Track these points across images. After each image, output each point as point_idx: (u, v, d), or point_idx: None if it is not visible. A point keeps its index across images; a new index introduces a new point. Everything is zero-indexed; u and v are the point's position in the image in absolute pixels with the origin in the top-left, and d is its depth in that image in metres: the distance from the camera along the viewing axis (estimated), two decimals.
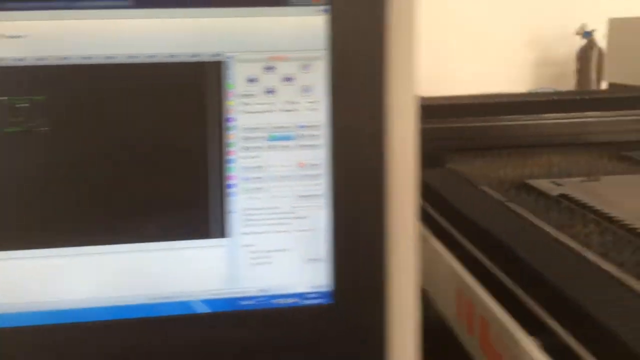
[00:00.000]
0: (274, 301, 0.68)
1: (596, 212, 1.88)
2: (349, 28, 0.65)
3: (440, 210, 2.33)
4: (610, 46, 3.24)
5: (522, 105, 2.66)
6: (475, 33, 4.81)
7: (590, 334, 1.30)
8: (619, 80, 3.17)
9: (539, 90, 2.92)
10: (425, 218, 2.47)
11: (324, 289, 0.72)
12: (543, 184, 2.21)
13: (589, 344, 1.31)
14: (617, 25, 3.18)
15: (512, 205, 2.09)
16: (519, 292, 1.65)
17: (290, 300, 0.69)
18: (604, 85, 3.52)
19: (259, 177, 0.68)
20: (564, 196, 2.09)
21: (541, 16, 4.91)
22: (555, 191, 2.15)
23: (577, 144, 2.81)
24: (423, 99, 3.00)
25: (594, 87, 4.26)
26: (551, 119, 2.74)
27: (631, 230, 1.68)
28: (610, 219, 1.80)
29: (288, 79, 0.69)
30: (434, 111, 2.61)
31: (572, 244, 1.67)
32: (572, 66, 4.83)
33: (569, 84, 4.98)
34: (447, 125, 2.63)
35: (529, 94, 2.90)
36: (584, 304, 1.32)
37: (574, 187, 2.17)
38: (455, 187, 2.32)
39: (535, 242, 1.69)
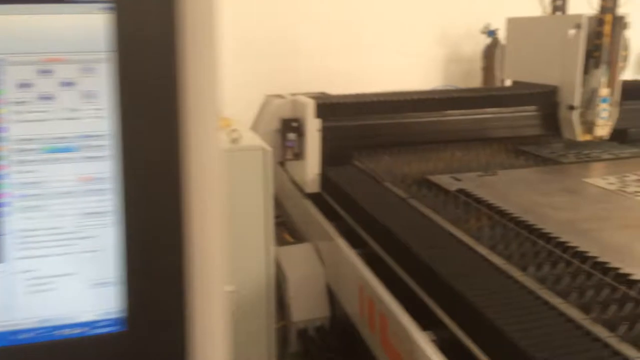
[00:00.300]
0: (58, 332, 0.61)
1: (489, 206, 1.94)
2: (136, 28, 0.59)
3: (345, 208, 2.34)
4: (509, 45, 3.38)
5: (425, 102, 2.71)
6: (388, 30, 4.89)
7: (476, 328, 1.33)
8: (517, 77, 3.31)
9: (441, 88, 2.98)
10: (332, 215, 2.49)
11: (115, 316, 0.65)
12: (443, 180, 2.27)
13: (476, 338, 1.34)
14: (515, 25, 3.30)
15: (413, 202, 2.13)
16: (416, 288, 1.68)
17: (76, 331, 0.62)
18: (508, 82, 3.68)
19: (37, 194, 0.61)
20: (461, 191, 2.14)
21: (449, 14, 5.07)
22: (454, 186, 2.20)
23: (478, 139, 2.91)
24: (328, 96, 3.00)
25: (498, 84, 4.43)
26: (453, 115, 2.81)
27: (519, 224, 1.75)
28: (502, 213, 1.86)
29: (67, 84, 0.62)
30: (339, 109, 2.61)
31: (465, 238, 1.72)
32: (479, 63, 5.02)
33: (477, 80, 5.18)
34: (352, 123, 2.64)
35: (432, 92, 2.96)
36: (471, 298, 1.36)
37: (472, 182, 2.23)
38: (360, 184, 2.34)
39: (430, 238, 1.72)
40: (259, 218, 1.86)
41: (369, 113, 2.68)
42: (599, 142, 2.70)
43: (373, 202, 2.08)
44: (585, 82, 2.63)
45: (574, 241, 1.56)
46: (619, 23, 2.57)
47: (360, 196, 2.17)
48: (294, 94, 2.78)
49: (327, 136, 2.58)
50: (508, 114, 2.90)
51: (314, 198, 2.58)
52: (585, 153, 2.62)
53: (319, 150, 2.53)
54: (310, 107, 2.49)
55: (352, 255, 1.97)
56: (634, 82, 3.17)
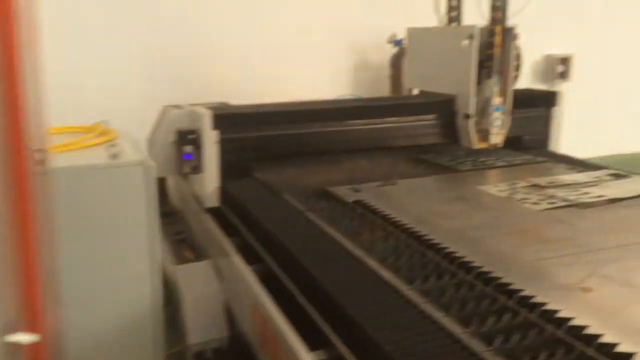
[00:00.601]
0: None
1: (384, 217, 1.93)
2: None
3: (243, 222, 2.27)
4: (410, 54, 3.42)
5: (327, 112, 2.69)
6: (296, 39, 4.87)
7: (361, 347, 1.30)
8: (418, 86, 3.36)
9: (347, 96, 2.98)
10: (232, 231, 2.41)
11: None
12: (342, 191, 2.24)
13: (361, 358, 1.31)
14: (415, 35, 3.35)
15: (310, 215, 2.08)
16: (307, 306, 1.63)
17: None
18: (416, 91, 3.75)
19: None
20: (358, 202, 2.13)
21: (357, 23, 5.12)
22: (351, 197, 2.18)
23: (381, 148, 2.92)
24: (228, 107, 2.90)
25: (406, 92, 4.52)
26: (356, 125, 2.81)
27: (412, 235, 1.74)
28: (396, 224, 1.85)
29: None
30: (238, 120, 2.53)
31: (357, 251, 1.69)
32: (387, 72, 5.11)
33: (386, 88, 5.26)
34: (252, 134, 2.57)
35: (334, 101, 2.95)
36: (356, 317, 1.32)
37: (370, 193, 2.22)
38: (258, 197, 2.27)
39: (322, 253, 1.68)
40: (142, 237, 1.76)
41: (271, 123, 2.62)
42: (494, 150, 2.79)
43: (269, 217, 2.03)
44: (479, 91, 2.70)
45: (461, 251, 1.57)
46: (509, 34, 2.66)
47: (256, 210, 2.10)
48: (193, 104, 2.68)
49: (227, 148, 2.51)
50: (409, 123, 2.94)
51: (215, 212, 2.49)
52: (482, 161, 2.69)
53: (218, 163, 2.45)
54: (207, 118, 2.41)
55: (247, 273, 1.90)
56: (527, 91, 3.31)
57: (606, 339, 1.13)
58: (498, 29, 2.62)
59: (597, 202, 2.01)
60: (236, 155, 2.57)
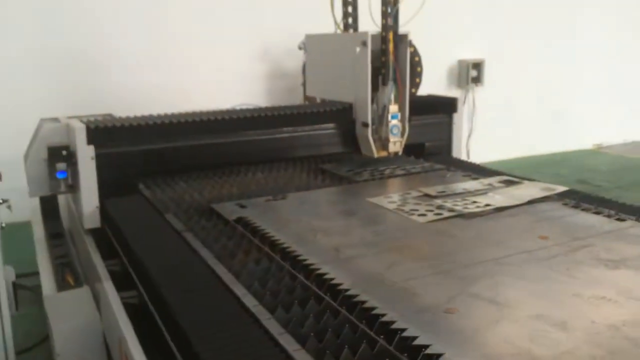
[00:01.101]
0: None
1: (263, 236, 1.81)
2: None
3: (120, 245, 2.10)
4: (309, 62, 3.32)
5: (218, 123, 2.56)
6: (206, 47, 4.69)
7: None
8: (317, 94, 3.26)
9: (239, 107, 2.84)
10: (113, 254, 2.23)
11: None
12: (227, 208, 2.11)
13: None
14: (312, 41, 3.24)
15: (188, 235, 1.94)
16: (170, 342, 1.49)
17: None
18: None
19: None
20: (240, 220, 2.01)
21: (269, 30, 5.01)
22: (234, 215, 2.05)
23: (281, 159, 2.80)
24: (110, 120, 2.67)
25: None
26: (251, 136, 2.69)
27: (286, 255, 1.64)
28: (273, 244, 1.74)
29: None
30: (118, 133, 2.34)
31: (227, 277, 1.56)
32: (300, 79, 5.03)
33: (300, 96, 5.18)
34: (136, 148, 2.40)
35: (228, 112, 2.81)
36: (206, 357, 1.20)
37: (256, 209, 2.09)
38: (137, 217, 2.10)
39: (187, 282, 1.54)
40: None
41: (158, 136, 2.46)
42: (396, 158, 2.74)
43: (142, 239, 1.88)
44: (375, 99, 2.65)
45: (333, 272, 1.48)
46: (403, 41, 2.62)
47: (130, 232, 1.95)
48: (71, 117, 2.49)
49: (108, 164, 2.33)
50: (309, 133, 2.85)
51: (98, 234, 2.31)
52: (381, 170, 2.64)
53: (95, 180, 2.27)
54: (81, 132, 2.23)
55: (115, 301, 1.75)
56: (429, 98, 3.30)
57: None
58: (390, 35, 2.57)
59: (484, 211, 1.98)
60: (120, 172, 2.40)
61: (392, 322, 1.22)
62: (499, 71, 5.82)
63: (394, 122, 2.65)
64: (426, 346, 1.13)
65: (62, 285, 2.31)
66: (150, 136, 2.44)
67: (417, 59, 3.19)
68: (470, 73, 5.85)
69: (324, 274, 1.48)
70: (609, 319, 1.23)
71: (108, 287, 1.84)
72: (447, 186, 2.30)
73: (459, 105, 3.05)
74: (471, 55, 5.85)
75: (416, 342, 1.15)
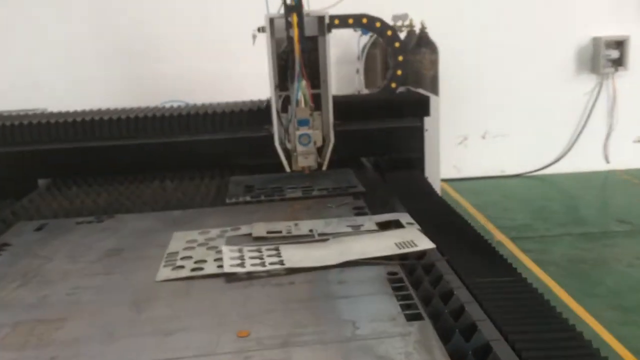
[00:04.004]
0: None
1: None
2: None
3: None
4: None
5: (115, 123, 2.30)
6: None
7: None
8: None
9: (168, 103, 2.46)
10: None
11: None
12: (23, 227, 1.82)
13: None
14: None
15: None
16: None
17: None
18: None
19: None
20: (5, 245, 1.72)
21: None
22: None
23: (204, 167, 2.39)
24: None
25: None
26: (177, 138, 2.34)
27: None
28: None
29: None
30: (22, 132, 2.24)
31: None
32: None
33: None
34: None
35: (132, 110, 2.48)
36: None
37: (47, 233, 1.76)
38: None
39: None
40: None
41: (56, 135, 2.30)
42: (315, 175, 2.17)
43: None
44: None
45: None
46: (321, 24, 2.02)
47: None
48: None
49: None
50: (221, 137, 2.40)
51: None
52: (276, 188, 2.11)
53: None
54: None
55: None
56: (394, 96, 2.52)
57: None
58: (293, 19, 1.99)
59: (273, 270, 1.41)
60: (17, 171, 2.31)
61: None
62: None
63: (303, 129, 2.07)
64: None
65: None
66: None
67: (397, 45, 2.45)
68: (609, 54, 4.57)
69: None
70: None
71: None
72: (299, 224, 1.71)
73: (432, 105, 2.29)
74: (611, 32, 4.55)
75: None
